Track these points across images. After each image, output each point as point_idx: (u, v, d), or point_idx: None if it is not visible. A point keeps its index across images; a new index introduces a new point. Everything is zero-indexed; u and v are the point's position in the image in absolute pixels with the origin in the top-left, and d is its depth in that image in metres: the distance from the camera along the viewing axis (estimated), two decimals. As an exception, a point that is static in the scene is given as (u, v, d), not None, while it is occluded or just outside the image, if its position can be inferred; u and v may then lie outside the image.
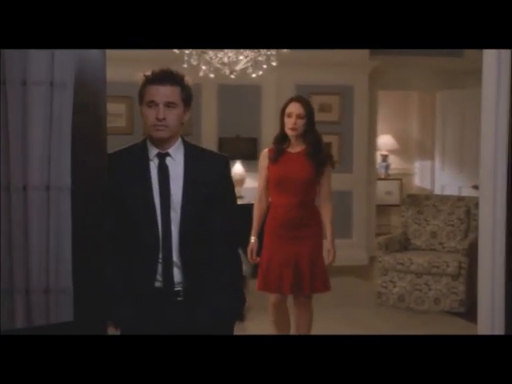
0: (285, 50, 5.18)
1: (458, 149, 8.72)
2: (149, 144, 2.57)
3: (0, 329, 2.20)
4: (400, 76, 8.67)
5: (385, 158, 10.41)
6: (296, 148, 4.26)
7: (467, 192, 7.85)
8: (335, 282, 7.04)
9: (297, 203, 4.19)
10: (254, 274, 4.50)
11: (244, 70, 5.40)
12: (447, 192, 8.51)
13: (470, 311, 5.73)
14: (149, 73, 2.51)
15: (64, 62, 2.26)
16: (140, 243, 2.52)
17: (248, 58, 5.25)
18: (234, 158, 7.54)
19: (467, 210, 6.44)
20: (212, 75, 5.48)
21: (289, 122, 4.18)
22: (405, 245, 6.61)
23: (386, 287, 6.33)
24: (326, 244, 4.29)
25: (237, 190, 7.38)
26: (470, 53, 7.75)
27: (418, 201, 6.76)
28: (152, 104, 2.48)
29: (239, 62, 5.28)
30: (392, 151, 10.44)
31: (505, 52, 3.36)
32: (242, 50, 5.20)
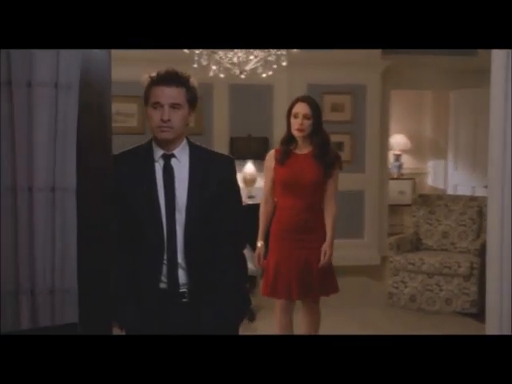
0: (295, 50, 5.17)
1: (471, 148, 8.67)
2: (154, 145, 2.57)
3: (6, 329, 2.22)
4: (413, 75, 8.63)
5: (398, 157, 10.37)
6: (303, 149, 4.18)
7: (481, 192, 7.79)
8: (346, 282, 7.05)
9: (304, 206, 4.11)
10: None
11: (254, 69, 5.40)
12: (460, 192, 8.46)
13: (482, 312, 5.65)
14: (154, 74, 2.51)
15: (69, 63, 2.26)
16: (145, 244, 2.52)
17: (258, 58, 5.25)
18: (246, 157, 7.55)
19: (479, 210, 6.40)
20: (222, 75, 5.48)
21: (295, 123, 4.09)
22: (416, 245, 6.58)
23: (397, 287, 6.30)
24: (324, 245, 4.15)
25: (248, 189, 7.45)
26: (483, 52, 7.68)
27: (429, 201, 6.73)
28: (157, 105, 2.48)
29: (249, 61, 5.27)
30: (405, 151, 10.40)
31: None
32: (251, 50, 5.19)
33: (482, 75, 8.11)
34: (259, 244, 4.19)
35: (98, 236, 2.38)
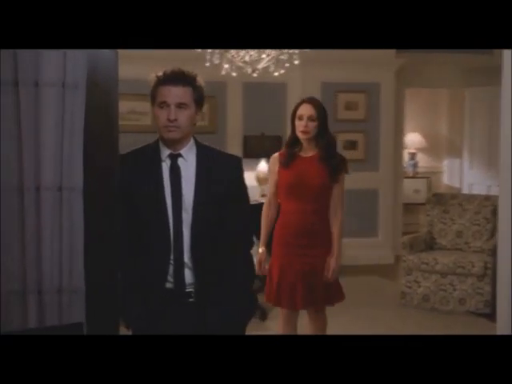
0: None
1: (486, 147, 8.61)
2: (161, 145, 2.56)
3: (13, 328, 2.23)
4: (427, 73, 8.58)
5: (413, 156, 10.32)
6: (308, 152, 4.04)
7: (496, 191, 7.71)
8: (359, 281, 7.08)
9: (308, 210, 3.97)
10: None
11: (266, 68, 5.38)
12: (476, 190, 8.41)
13: (495, 312, 5.63)
14: (160, 73, 2.51)
15: (76, 62, 2.27)
16: (151, 244, 2.52)
17: (270, 57, 5.23)
18: (259, 156, 7.53)
19: (494, 209, 6.34)
20: (234, 74, 5.47)
21: (300, 125, 3.97)
22: (430, 244, 6.55)
23: (410, 287, 6.27)
24: (330, 261, 3.98)
25: (261, 188, 7.42)
26: (499, 49, 7.62)
27: (443, 200, 6.69)
28: (163, 105, 2.48)
29: (261, 60, 5.26)
30: (420, 149, 10.35)
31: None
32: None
33: (498, 73, 8.03)
34: (260, 250, 4.06)
35: (105, 235, 2.39)
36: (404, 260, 6.36)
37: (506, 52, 3.38)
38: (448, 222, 6.53)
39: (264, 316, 5.52)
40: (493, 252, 5.96)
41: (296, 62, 5.26)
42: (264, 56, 5.24)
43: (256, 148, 7.58)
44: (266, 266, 4.10)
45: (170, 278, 2.53)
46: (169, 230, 2.50)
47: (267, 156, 7.49)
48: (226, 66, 5.36)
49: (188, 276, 2.53)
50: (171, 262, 2.52)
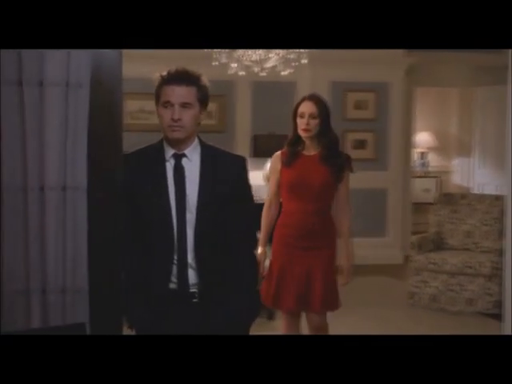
0: (316, 48, 5.13)
1: (497, 146, 8.54)
2: (165, 145, 2.55)
3: (16, 328, 2.23)
4: (437, 72, 8.54)
5: (423, 155, 10.28)
6: (311, 151, 3.93)
7: (506, 191, 7.68)
8: (367, 281, 7.06)
9: (311, 211, 3.85)
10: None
11: (274, 67, 5.37)
12: (486, 190, 8.36)
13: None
14: (165, 73, 2.50)
15: (80, 62, 2.28)
16: (155, 244, 2.51)
17: (278, 56, 5.22)
18: (268, 155, 7.49)
19: (503, 209, 6.30)
20: (242, 73, 5.47)
21: (301, 123, 3.86)
22: (439, 244, 6.51)
23: (418, 287, 6.24)
24: (343, 262, 3.88)
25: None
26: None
27: (452, 200, 6.65)
28: (167, 104, 2.46)
29: (269, 59, 5.25)
30: (431, 148, 10.30)
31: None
32: (271, 48, 5.17)
33: (509, 72, 8.01)
34: (260, 250, 3.92)
35: (109, 235, 2.39)
36: (412, 260, 6.33)
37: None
38: (457, 222, 6.49)
39: (272, 315, 5.51)
40: (502, 252, 5.93)
41: (304, 61, 5.25)
42: (272, 55, 5.23)
43: (265, 147, 7.55)
44: (266, 266, 3.98)
45: (173, 279, 2.52)
46: (172, 230, 2.49)
47: (276, 155, 7.55)
48: (234, 65, 5.36)
49: (192, 276, 2.52)
50: (175, 262, 2.51)
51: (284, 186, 3.96)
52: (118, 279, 2.42)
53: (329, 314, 4.05)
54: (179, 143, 2.52)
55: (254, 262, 2.67)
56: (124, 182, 2.44)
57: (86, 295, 2.34)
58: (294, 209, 3.91)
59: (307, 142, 3.93)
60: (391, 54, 7.58)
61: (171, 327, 2.50)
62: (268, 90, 7.67)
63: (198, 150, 2.57)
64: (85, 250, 2.33)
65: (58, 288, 2.32)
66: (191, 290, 2.53)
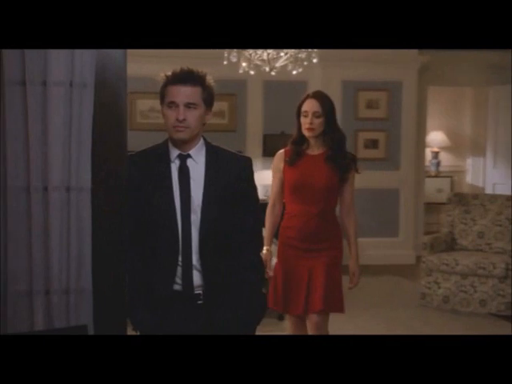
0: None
1: (510, 146, 8.48)
2: (170, 145, 2.53)
3: (20, 329, 2.22)
4: (451, 71, 8.48)
5: (436, 154, 10.21)
6: (315, 150, 3.78)
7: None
8: (379, 282, 7.03)
9: (315, 212, 3.72)
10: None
11: (284, 66, 5.35)
12: (499, 190, 8.29)
13: (517, 314, 5.58)
14: (170, 73, 2.48)
15: (84, 62, 2.26)
16: (159, 245, 2.50)
17: (288, 55, 5.20)
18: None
19: (516, 209, 6.25)
20: (252, 72, 5.45)
21: (305, 122, 3.71)
22: (451, 245, 6.46)
23: (430, 288, 6.20)
24: (350, 264, 3.78)
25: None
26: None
27: (465, 200, 6.59)
28: (172, 104, 2.45)
29: (279, 58, 5.23)
30: (443, 148, 10.24)
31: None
32: (281, 47, 5.14)
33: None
34: (265, 250, 3.76)
35: (113, 236, 2.38)
36: (423, 261, 6.28)
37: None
38: (469, 223, 6.43)
39: (281, 316, 5.48)
40: (515, 253, 5.88)
41: (314, 61, 5.22)
42: (282, 54, 5.21)
43: (276, 147, 7.45)
44: (273, 265, 3.88)
45: (178, 280, 2.50)
46: (177, 231, 2.47)
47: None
48: (244, 64, 5.34)
49: (196, 278, 2.50)
50: (179, 263, 2.49)
51: (287, 187, 3.84)
52: (121, 280, 2.40)
53: (334, 319, 3.96)
54: (184, 144, 2.50)
55: (260, 263, 2.64)
56: (128, 182, 2.42)
57: (89, 296, 2.33)
58: (296, 211, 3.79)
59: (311, 141, 3.79)
60: (404, 53, 7.56)
61: (175, 329, 2.48)
62: (279, 90, 7.65)
63: (203, 150, 2.55)
64: (89, 250, 2.32)
65: (62, 289, 2.31)
66: (196, 292, 2.51)
